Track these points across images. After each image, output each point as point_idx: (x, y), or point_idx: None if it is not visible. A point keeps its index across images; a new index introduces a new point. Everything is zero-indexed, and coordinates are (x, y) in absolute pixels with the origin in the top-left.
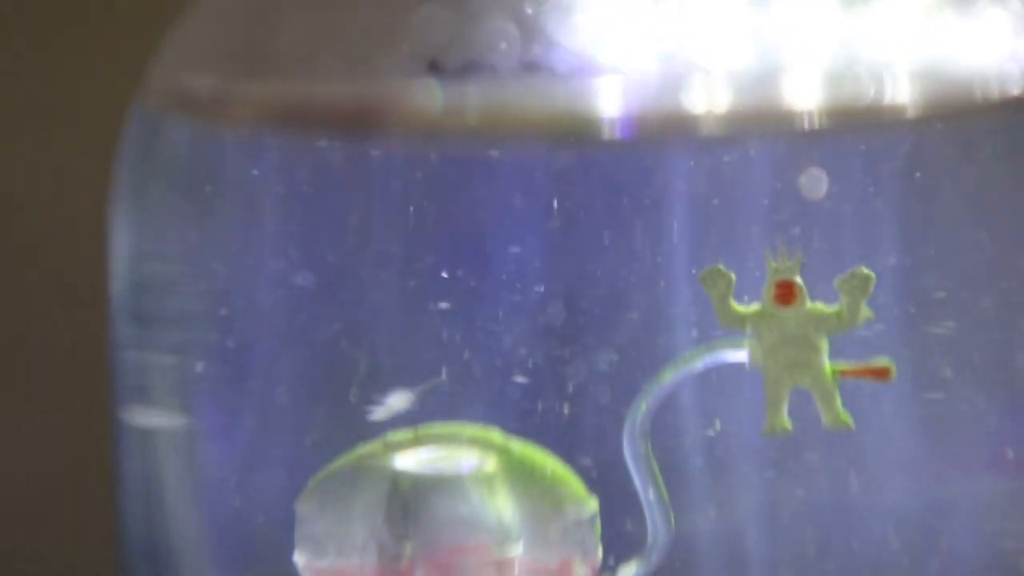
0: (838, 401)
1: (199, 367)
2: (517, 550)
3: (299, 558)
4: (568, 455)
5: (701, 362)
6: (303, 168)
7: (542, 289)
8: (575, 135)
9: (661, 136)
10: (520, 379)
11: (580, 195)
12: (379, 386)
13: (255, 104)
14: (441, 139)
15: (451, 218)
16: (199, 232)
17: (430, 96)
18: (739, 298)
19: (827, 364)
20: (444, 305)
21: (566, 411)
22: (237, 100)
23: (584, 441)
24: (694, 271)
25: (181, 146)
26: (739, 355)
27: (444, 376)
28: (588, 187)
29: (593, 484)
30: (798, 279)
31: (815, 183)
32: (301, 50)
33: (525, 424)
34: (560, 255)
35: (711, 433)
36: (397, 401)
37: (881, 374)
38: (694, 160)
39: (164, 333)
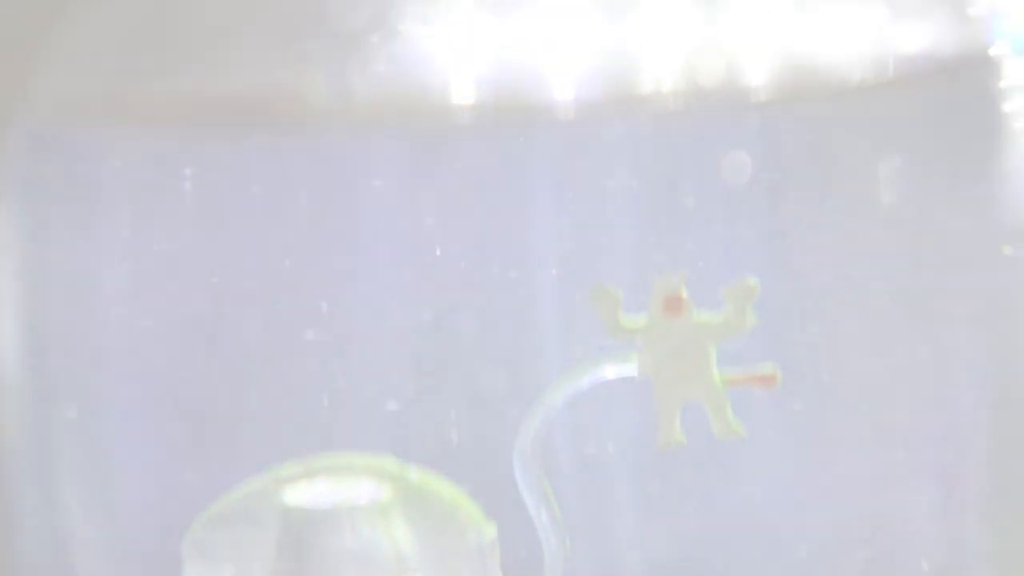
0: (729, 410)
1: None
2: None
3: None
4: (458, 481)
5: (588, 378)
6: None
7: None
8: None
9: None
10: (400, 402)
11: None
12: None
13: (153, 103)
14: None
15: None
16: (94, 244)
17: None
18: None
19: (716, 373)
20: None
21: (454, 436)
22: (132, 101)
23: (474, 465)
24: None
25: (74, 155)
26: (627, 368)
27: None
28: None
29: (486, 510)
30: (684, 292)
31: (737, 166)
32: (194, 46)
33: (410, 451)
34: (438, 269)
35: (595, 451)
36: None
37: (767, 381)
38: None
39: (61, 353)
